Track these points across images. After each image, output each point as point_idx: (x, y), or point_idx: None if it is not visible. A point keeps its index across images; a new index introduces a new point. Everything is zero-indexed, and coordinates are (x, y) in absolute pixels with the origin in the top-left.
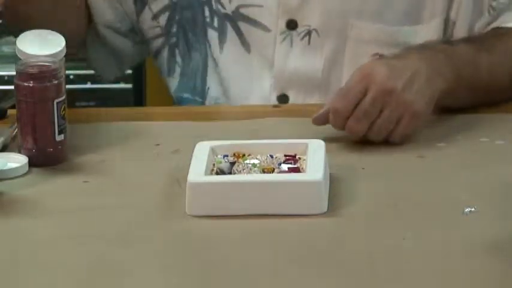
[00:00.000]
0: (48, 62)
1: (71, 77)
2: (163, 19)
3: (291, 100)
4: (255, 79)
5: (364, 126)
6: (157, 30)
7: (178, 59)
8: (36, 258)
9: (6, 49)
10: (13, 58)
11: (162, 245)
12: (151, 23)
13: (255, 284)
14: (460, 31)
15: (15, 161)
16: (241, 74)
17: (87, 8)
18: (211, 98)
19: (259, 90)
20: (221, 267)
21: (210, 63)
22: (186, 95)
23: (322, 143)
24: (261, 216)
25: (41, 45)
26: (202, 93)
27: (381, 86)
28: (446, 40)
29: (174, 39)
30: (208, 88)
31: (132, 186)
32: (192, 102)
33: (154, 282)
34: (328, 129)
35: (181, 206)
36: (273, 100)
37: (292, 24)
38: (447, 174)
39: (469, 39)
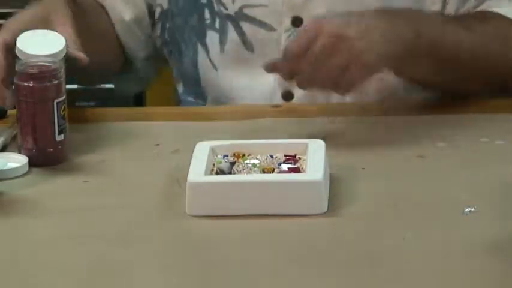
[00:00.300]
0: (48, 62)
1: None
2: (158, 29)
3: (296, 96)
4: (259, 78)
5: (312, 69)
6: (159, 40)
7: (174, 65)
8: (36, 258)
9: None
10: None
11: (162, 245)
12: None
13: (255, 284)
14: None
15: (15, 161)
16: (244, 73)
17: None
18: (212, 100)
19: (263, 88)
20: (221, 267)
21: (205, 66)
22: (190, 98)
23: (322, 143)
24: (261, 216)
25: (41, 45)
26: (202, 95)
27: (333, 31)
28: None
29: (169, 47)
30: (207, 91)
31: (132, 186)
32: (196, 105)
33: (154, 282)
34: (328, 129)
35: (181, 206)
36: (278, 97)
37: (297, 22)
38: (447, 174)
39: (448, 15)
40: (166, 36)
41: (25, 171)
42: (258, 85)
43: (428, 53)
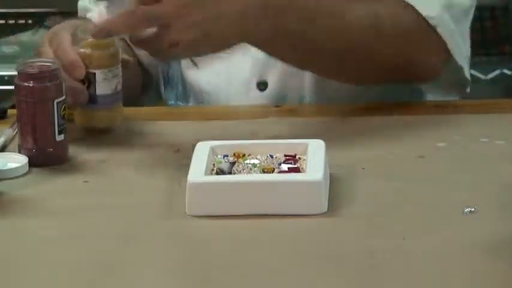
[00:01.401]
0: (48, 62)
1: None
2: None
3: (270, 85)
4: (234, 70)
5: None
6: None
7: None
8: (36, 258)
9: (6, 49)
10: (13, 58)
11: (162, 245)
12: None
13: (255, 284)
14: None
15: (15, 161)
16: (222, 68)
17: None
18: (194, 99)
19: (239, 81)
20: (221, 267)
21: (188, 67)
22: (171, 102)
23: (322, 143)
24: (261, 216)
25: None
26: (184, 96)
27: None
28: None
29: None
30: (190, 90)
31: (132, 186)
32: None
33: (154, 282)
34: (328, 129)
35: (181, 206)
36: (253, 88)
37: None
38: (447, 174)
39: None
40: None
41: (25, 171)
42: (235, 78)
43: (293, 42)
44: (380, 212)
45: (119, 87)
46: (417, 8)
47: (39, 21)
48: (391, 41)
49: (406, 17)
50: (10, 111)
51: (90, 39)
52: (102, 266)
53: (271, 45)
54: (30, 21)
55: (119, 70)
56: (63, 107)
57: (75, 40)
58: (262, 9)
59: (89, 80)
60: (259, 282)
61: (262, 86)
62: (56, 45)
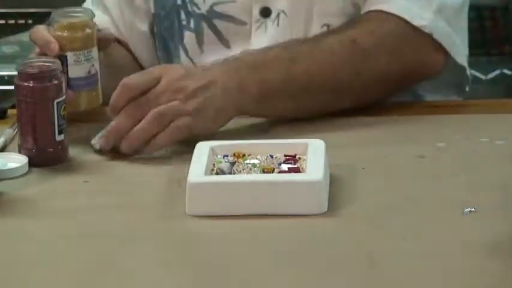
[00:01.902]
0: (48, 62)
1: None
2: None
3: None
4: None
5: (142, 111)
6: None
7: None
8: (36, 258)
9: (6, 49)
10: (13, 58)
11: (162, 245)
12: None
13: (255, 284)
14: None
15: (15, 161)
16: None
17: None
18: None
19: None
20: (221, 267)
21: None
22: None
23: (322, 143)
24: (261, 216)
25: None
26: None
27: (173, 80)
28: (263, 48)
29: (160, 54)
30: None
31: (132, 186)
32: None
33: (154, 282)
34: (328, 129)
35: (181, 206)
36: None
37: (265, 12)
38: (447, 174)
39: (296, 42)
40: (157, 43)
41: (25, 171)
42: None
43: (279, 93)
44: (380, 212)
45: (93, 70)
46: (408, 19)
47: (39, 21)
48: (380, 58)
49: (391, 29)
50: (10, 111)
51: (65, 22)
52: (102, 266)
53: (261, 107)
54: (30, 21)
55: (93, 53)
56: (63, 107)
57: (51, 23)
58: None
59: (62, 63)
60: (259, 282)
61: None
62: (31, 32)
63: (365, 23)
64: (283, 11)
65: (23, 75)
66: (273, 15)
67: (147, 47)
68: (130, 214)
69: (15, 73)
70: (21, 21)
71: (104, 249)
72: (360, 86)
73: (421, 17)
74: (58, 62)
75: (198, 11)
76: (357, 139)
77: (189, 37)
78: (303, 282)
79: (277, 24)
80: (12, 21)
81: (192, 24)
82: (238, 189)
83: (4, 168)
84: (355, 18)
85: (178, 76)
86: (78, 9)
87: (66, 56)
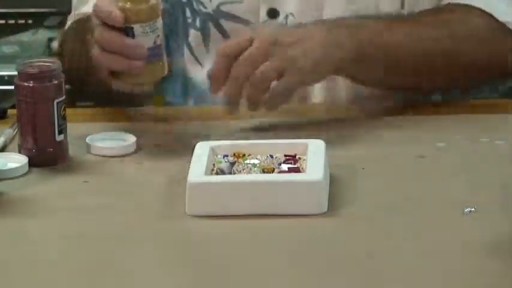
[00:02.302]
0: (48, 62)
1: None
2: None
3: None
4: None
5: (244, 72)
6: None
7: None
8: (36, 258)
9: (6, 49)
10: (13, 58)
11: (162, 245)
12: None
13: (255, 284)
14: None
15: (15, 161)
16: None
17: None
18: (196, 97)
19: None
20: (221, 267)
21: (192, 65)
22: (168, 96)
23: (322, 143)
24: (261, 216)
25: None
26: (183, 92)
27: (267, 37)
28: (362, 16)
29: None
30: (191, 88)
31: (132, 186)
32: (175, 103)
33: (154, 282)
34: (328, 129)
35: (181, 206)
36: None
37: (273, 13)
38: (447, 174)
39: (394, 17)
40: None
41: (25, 171)
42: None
43: (375, 58)
44: (380, 212)
45: (159, 41)
46: (493, 14)
47: (39, 21)
48: (468, 47)
49: (479, 23)
50: (10, 111)
51: None
52: (101, 266)
53: (356, 67)
54: (30, 21)
55: (158, 24)
56: (63, 107)
57: None
58: (344, 31)
59: (127, 35)
60: (259, 282)
61: None
62: (94, 6)
63: (455, 13)
64: (291, 13)
65: (23, 75)
66: (281, 17)
67: None
68: (130, 214)
69: (15, 73)
70: (21, 21)
71: (103, 249)
72: (450, 68)
73: (506, 13)
74: (58, 61)
75: (204, 10)
76: (357, 139)
77: (194, 35)
78: (303, 282)
79: None
80: (12, 21)
81: (197, 23)
82: (238, 189)
83: (4, 168)
84: (440, 7)
85: (271, 33)
86: None
87: (133, 28)
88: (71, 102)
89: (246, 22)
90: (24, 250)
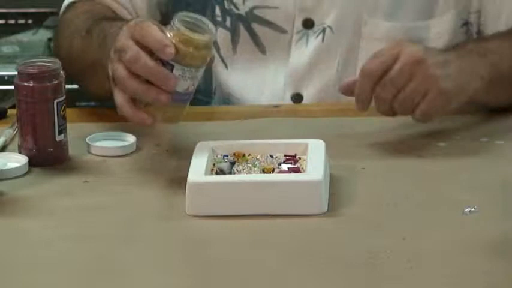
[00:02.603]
0: (48, 62)
1: None
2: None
3: (305, 99)
4: (269, 79)
5: (390, 93)
6: None
7: None
8: (36, 258)
9: (6, 49)
10: (13, 58)
11: (162, 245)
12: None
13: (255, 284)
14: (489, 22)
15: (15, 161)
16: (256, 74)
17: None
18: (219, 98)
19: (273, 89)
20: (221, 267)
21: (217, 63)
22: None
23: (322, 143)
24: (261, 216)
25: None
26: (207, 92)
27: (412, 55)
28: (476, 38)
29: None
30: (215, 88)
31: (132, 186)
32: (197, 101)
33: (154, 282)
34: (328, 129)
35: (181, 206)
36: (287, 99)
37: (308, 23)
38: (447, 174)
39: (500, 34)
40: None
41: (25, 171)
42: (268, 86)
43: (505, 83)
44: (380, 212)
45: (191, 89)
46: None
47: (39, 21)
48: None
49: None
50: (10, 111)
51: (188, 34)
52: (101, 266)
53: (487, 95)
54: (30, 21)
55: (199, 73)
56: (63, 107)
57: (172, 26)
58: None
59: (163, 66)
60: (259, 282)
61: (296, 98)
62: (140, 28)
63: None
64: (329, 27)
65: (23, 75)
66: (316, 28)
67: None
68: (130, 214)
69: (15, 73)
70: (21, 21)
71: (104, 249)
72: None
73: None
74: (58, 61)
75: (236, 11)
76: (357, 139)
77: (223, 35)
78: (302, 282)
79: (322, 40)
80: (12, 21)
81: (228, 23)
82: (238, 189)
83: (4, 168)
84: None
85: (417, 50)
86: (204, 20)
87: (173, 66)
88: (71, 102)
89: (279, 29)
90: (24, 250)
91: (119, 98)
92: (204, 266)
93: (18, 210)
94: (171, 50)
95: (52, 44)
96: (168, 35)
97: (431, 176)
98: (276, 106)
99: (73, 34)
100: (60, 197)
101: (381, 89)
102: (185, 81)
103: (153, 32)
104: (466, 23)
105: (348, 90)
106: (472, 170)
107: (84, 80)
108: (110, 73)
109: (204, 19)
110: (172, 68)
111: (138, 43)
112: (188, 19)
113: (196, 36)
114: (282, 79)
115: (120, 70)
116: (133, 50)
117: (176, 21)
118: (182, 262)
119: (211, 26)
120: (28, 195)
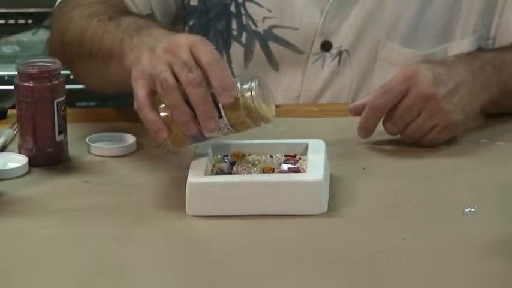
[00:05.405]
0: (48, 62)
1: (71, 77)
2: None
3: None
4: (280, 95)
5: (398, 128)
6: None
7: None
8: (36, 258)
9: (6, 49)
10: (13, 58)
11: (162, 245)
12: None
13: (255, 284)
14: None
15: (15, 161)
16: (271, 79)
17: None
18: None
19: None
20: (221, 267)
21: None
22: None
23: (322, 143)
24: (261, 216)
25: None
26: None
27: (422, 91)
28: (494, 48)
29: None
30: None
31: (132, 186)
32: None
33: (154, 282)
34: (328, 129)
35: (181, 206)
36: None
37: (326, 46)
38: (447, 174)
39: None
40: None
41: (25, 171)
42: (279, 102)
43: (501, 97)
44: (380, 212)
45: (213, 137)
46: None
47: (39, 21)
48: None
49: None
50: (10, 111)
51: (257, 102)
52: (101, 266)
53: (497, 105)
54: (30, 21)
55: (231, 134)
56: (63, 107)
57: (242, 84)
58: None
59: None
60: (258, 282)
61: None
62: (209, 57)
63: None
64: (346, 50)
65: (23, 75)
66: (333, 51)
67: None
68: (130, 214)
69: (15, 73)
70: (21, 21)
71: (103, 249)
72: None
73: None
74: (58, 61)
75: (253, 28)
76: (357, 139)
77: (236, 49)
78: (303, 282)
79: (338, 63)
80: (12, 21)
81: (243, 38)
82: (238, 189)
83: (4, 168)
84: None
85: (427, 84)
86: (271, 95)
87: (221, 117)
88: (71, 102)
89: (297, 50)
90: (24, 250)
91: (143, 92)
92: (203, 266)
93: (18, 210)
94: (232, 97)
95: (50, 23)
96: (238, 85)
97: (432, 176)
98: (276, 106)
99: (92, 17)
100: (60, 197)
101: (389, 124)
102: (217, 133)
103: (224, 72)
104: (480, 48)
105: (356, 112)
106: (472, 170)
107: (83, 65)
108: (145, 65)
109: (271, 93)
110: (219, 115)
111: (197, 62)
112: (264, 86)
113: (261, 112)
114: (294, 98)
115: (168, 75)
116: (199, 74)
117: (256, 84)
118: (182, 262)
119: (273, 98)
120: (28, 195)
